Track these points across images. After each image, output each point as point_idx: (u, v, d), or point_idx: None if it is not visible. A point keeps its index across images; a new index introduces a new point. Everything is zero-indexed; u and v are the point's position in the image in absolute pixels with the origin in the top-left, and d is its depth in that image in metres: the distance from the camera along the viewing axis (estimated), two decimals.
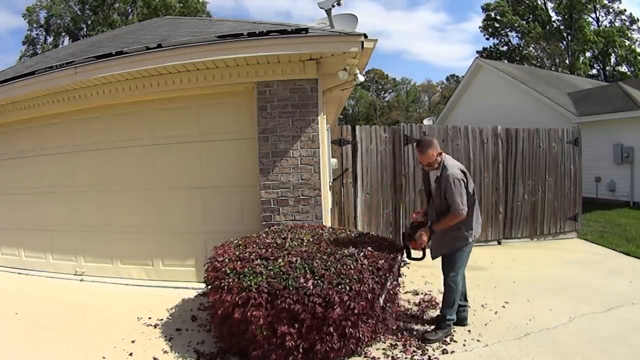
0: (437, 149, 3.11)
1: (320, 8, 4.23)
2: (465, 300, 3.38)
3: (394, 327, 3.20)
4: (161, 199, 4.47)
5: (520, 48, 30.34)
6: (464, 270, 3.23)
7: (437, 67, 72.32)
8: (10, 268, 5.12)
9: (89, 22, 28.25)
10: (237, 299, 2.65)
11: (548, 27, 28.62)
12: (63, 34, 28.99)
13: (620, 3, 28.01)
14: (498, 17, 30.23)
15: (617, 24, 27.67)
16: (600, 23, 28.30)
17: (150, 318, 3.53)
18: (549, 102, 11.56)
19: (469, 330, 3.22)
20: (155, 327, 3.37)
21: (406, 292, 4.03)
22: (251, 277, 2.70)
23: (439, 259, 3.22)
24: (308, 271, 2.72)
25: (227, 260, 2.95)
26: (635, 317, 3.39)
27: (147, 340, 3.15)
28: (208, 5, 29.77)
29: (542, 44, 28.15)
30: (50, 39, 28.91)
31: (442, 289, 3.23)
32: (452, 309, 3.17)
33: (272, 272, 2.72)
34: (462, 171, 3.09)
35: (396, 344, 2.99)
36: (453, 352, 2.90)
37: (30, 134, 5.06)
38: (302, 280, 2.63)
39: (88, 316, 3.60)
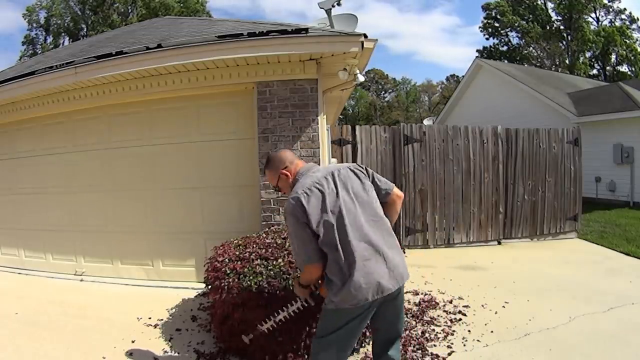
0: (279, 168, 2.13)
1: (320, 8, 4.23)
2: None
3: None
4: (161, 199, 4.46)
5: (520, 48, 30.35)
6: (344, 350, 2.00)
7: (446, 68, 72.91)
8: (10, 268, 5.11)
9: (89, 22, 28.29)
10: (237, 299, 2.65)
11: (548, 27, 28.63)
12: (63, 34, 29.03)
13: (620, 2, 28.10)
14: (498, 17, 30.25)
15: (617, 24, 27.70)
16: (600, 23, 28.34)
17: (150, 318, 3.52)
18: (549, 102, 11.55)
19: (469, 331, 3.21)
20: (155, 327, 3.37)
21: (406, 292, 4.03)
22: (251, 277, 2.70)
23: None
24: None
25: (227, 260, 2.95)
26: (635, 317, 3.38)
27: (147, 340, 3.15)
28: (223, 5, 29.86)
29: (542, 44, 28.17)
30: (50, 39, 28.95)
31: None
32: None
33: (272, 272, 2.72)
34: (317, 187, 1.94)
35: None
36: (453, 352, 2.90)
37: (30, 134, 5.06)
38: None
39: (88, 316, 3.60)
